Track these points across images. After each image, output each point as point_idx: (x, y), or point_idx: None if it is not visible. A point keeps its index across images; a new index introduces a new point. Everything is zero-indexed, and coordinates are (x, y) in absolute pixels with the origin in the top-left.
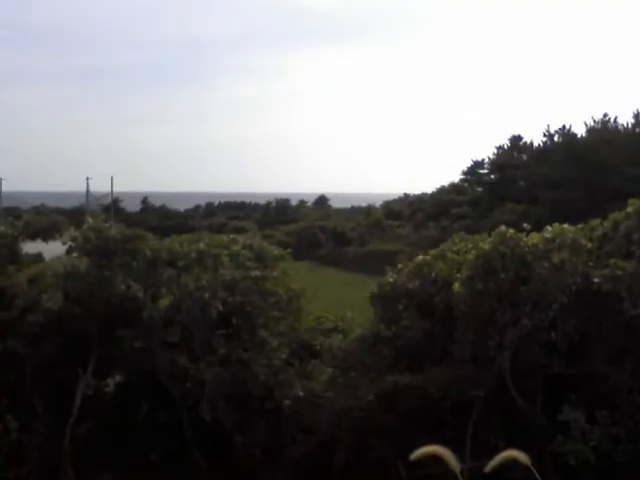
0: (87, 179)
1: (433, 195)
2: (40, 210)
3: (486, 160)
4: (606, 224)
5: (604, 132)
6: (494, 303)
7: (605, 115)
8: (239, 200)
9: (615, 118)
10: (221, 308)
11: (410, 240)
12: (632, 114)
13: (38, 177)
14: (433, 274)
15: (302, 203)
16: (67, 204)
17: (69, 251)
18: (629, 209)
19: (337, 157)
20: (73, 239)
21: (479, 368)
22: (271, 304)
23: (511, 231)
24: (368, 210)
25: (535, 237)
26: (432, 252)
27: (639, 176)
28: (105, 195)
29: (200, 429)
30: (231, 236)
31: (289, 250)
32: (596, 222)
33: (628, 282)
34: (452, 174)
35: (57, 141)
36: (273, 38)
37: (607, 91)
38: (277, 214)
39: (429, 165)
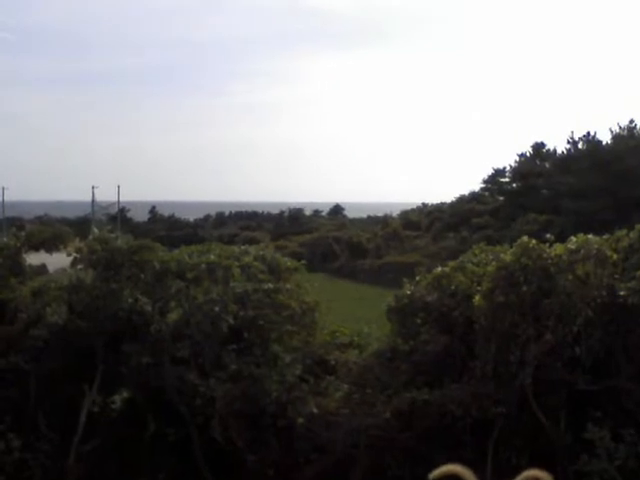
0: (93, 188)
1: (452, 204)
2: (44, 220)
3: (507, 168)
4: (632, 235)
5: (630, 139)
6: (516, 317)
7: (631, 121)
8: (251, 210)
9: None
10: (232, 322)
11: (428, 251)
12: None
13: (42, 186)
14: (452, 287)
15: (316, 213)
16: (72, 214)
17: (74, 263)
18: None
19: (352, 165)
20: (78, 250)
21: (500, 384)
22: (284, 318)
23: (533, 242)
24: (385, 220)
25: (558, 248)
26: (451, 264)
27: None
28: (111, 204)
29: (210, 448)
30: (242, 247)
31: (303, 262)
32: (622, 233)
33: None
34: (472, 183)
35: (61, 148)
36: (286, 41)
37: (633, 96)
38: (290, 224)
39: (448, 173)
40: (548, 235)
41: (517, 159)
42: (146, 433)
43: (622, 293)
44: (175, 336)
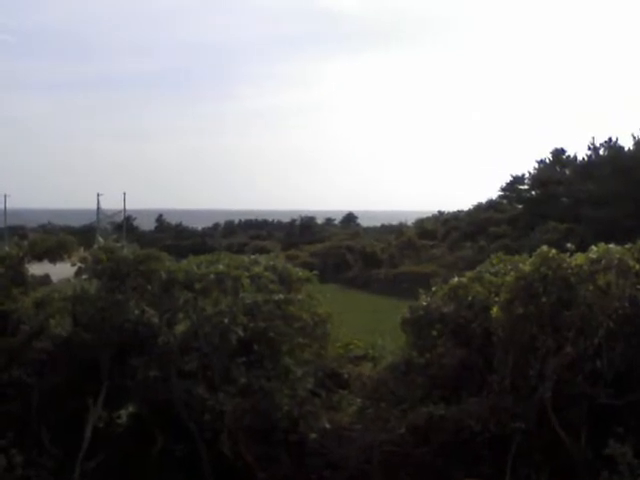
0: (98, 195)
1: (469, 213)
2: (47, 229)
3: (526, 175)
4: None
5: None
6: (535, 329)
7: None
8: (261, 218)
9: None
10: (242, 334)
11: (445, 261)
12: None
13: (45, 193)
14: (469, 298)
15: (328, 221)
16: (76, 222)
17: (78, 273)
18: None
19: (366, 172)
20: (83, 260)
21: (519, 398)
22: (296, 330)
23: (553, 251)
24: (399, 229)
25: (579, 258)
26: (468, 274)
27: None
28: (117, 213)
29: (219, 464)
30: (252, 257)
31: (315, 272)
32: None
33: None
34: (490, 190)
35: (65, 155)
36: (297, 44)
37: None
38: (302, 233)
39: (465, 181)
40: (568, 244)
41: (536, 166)
42: (153, 449)
43: None
44: (183, 349)
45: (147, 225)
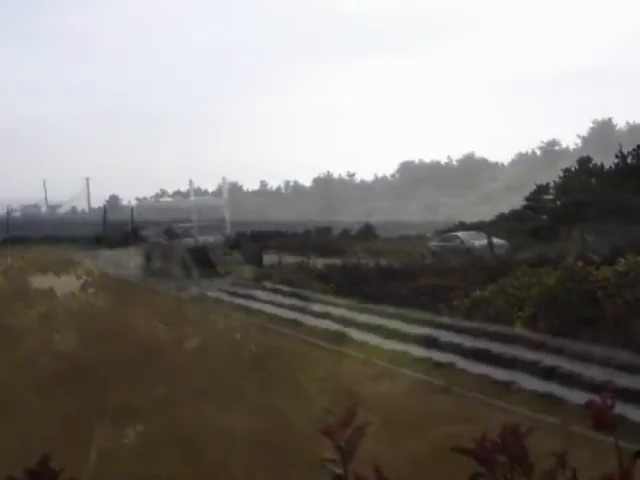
0: (104, 204)
1: (491, 223)
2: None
3: (551, 184)
4: None
5: None
6: None
7: None
8: (274, 229)
9: None
10: (254, 349)
11: (466, 273)
12: None
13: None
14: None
15: (345, 232)
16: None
17: (84, 286)
18: None
19: (382, 180)
20: (89, 273)
21: None
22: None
23: (579, 264)
24: (419, 240)
25: (606, 271)
26: (491, 287)
27: None
28: (124, 224)
29: None
30: None
31: (331, 285)
32: None
33: None
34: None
35: (68, 160)
36: (310, 47)
37: None
38: (317, 244)
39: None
40: (595, 257)
41: (562, 174)
42: (164, 471)
43: None
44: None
45: (156, 237)
